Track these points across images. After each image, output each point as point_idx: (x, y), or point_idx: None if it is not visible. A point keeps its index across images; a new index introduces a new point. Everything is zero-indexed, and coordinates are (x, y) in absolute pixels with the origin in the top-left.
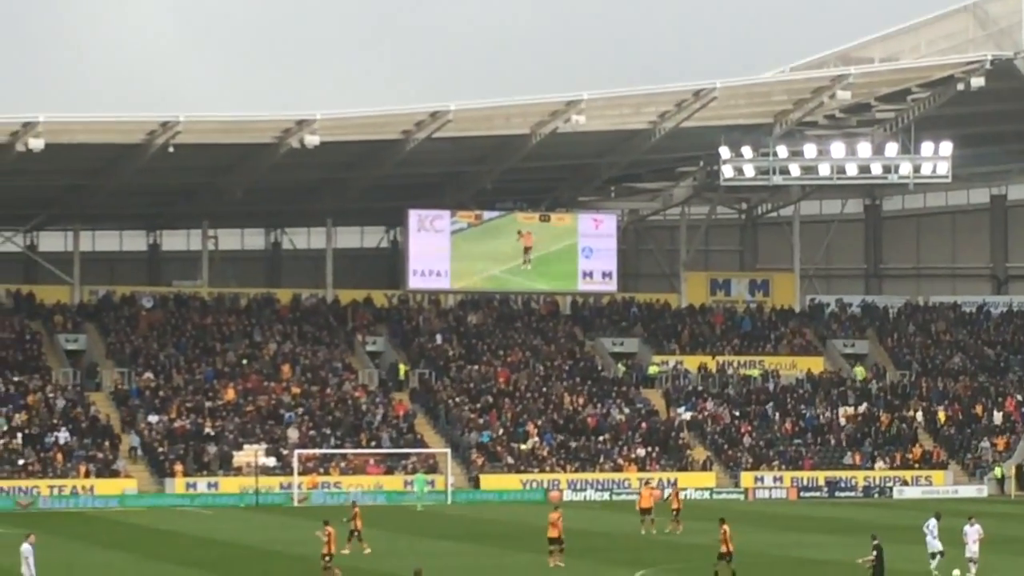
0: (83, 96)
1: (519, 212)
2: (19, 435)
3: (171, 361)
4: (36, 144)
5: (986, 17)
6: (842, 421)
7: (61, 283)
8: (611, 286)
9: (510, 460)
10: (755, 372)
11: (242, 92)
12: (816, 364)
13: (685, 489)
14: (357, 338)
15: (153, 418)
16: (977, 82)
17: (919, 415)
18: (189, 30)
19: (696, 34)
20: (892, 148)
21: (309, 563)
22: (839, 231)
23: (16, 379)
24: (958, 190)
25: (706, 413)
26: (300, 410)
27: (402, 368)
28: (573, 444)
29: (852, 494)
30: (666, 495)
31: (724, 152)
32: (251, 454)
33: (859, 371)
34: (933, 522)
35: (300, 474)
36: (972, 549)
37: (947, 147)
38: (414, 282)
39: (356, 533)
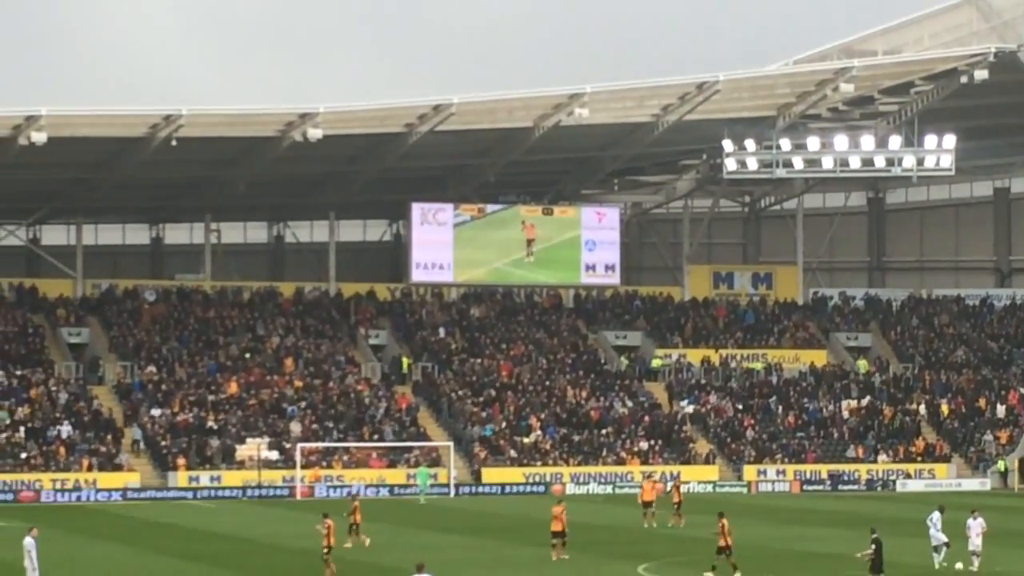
0: (86, 89)
1: (522, 205)
2: (22, 429)
3: (174, 355)
4: (39, 137)
5: (989, 10)
6: (845, 414)
7: (64, 277)
8: (614, 279)
9: (513, 453)
10: (758, 365)
11: (245, 85)
12: (819, 357)
13: (688, 483)
14: (360, 331)
15: (156, 412)
16: (981, 75)
17: (922, 408)
18: (192, 23)
19: (699, 27)
20: (895, 141)
21: (311, 556)
22: (842, 224)
23: (19, 373)
24: (961, 183)
25: (709, 406)
26: (303, 403)
27: (405, 361)
28: (576, 437)
29: (855, 487)
30: (668, 489)
31: (727, 145)
32: (254, 447)
33: (862, 364)
34: (937, 515)
35: (303, 467)
36: (975, 542)
37: (950, 140)
38: (417, 275)
39: (355, 527)
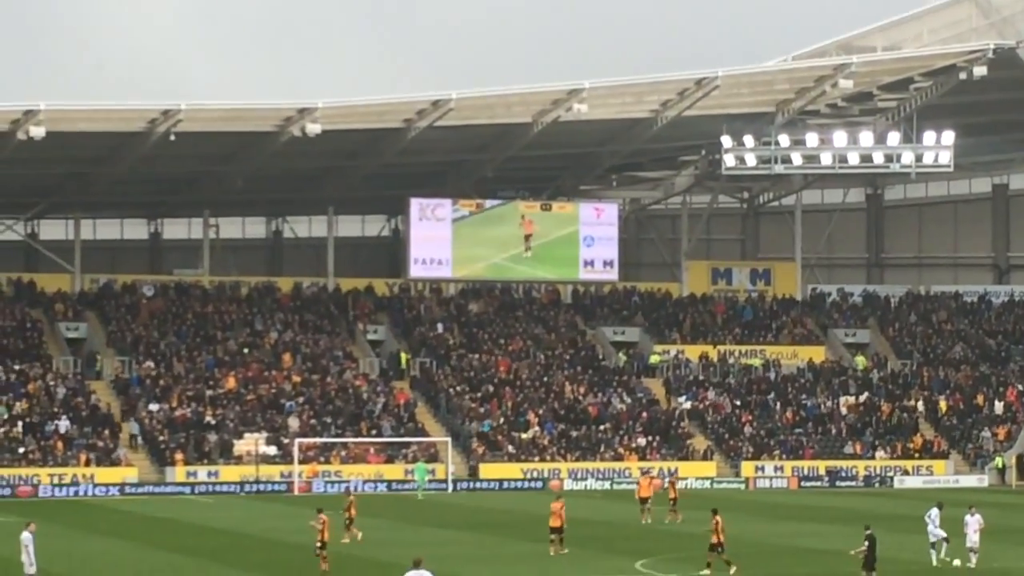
0: (84, 84)
1: (521, 201)
2: (20, 423)
3: (172, 350)
4: (37, 132)
5: (988, 6)
6: (843, 410)
7: (62, 271)
8: (612, 275)
9: (511, 449)
10: (756, 361)
11: (244, 80)
12: (817, 353)
13: (685, 479)
14: (358, 327)
15: (154, 406)
16: (979, 71)
17: (920, 404)
18: (191, 18)
19: (698, 22)
20: (894, 137)
21: (308, 552)
22: (841, 220)
23: (17, 367)
24: (960, 179)
25: (707, 402)
26: (301, 399)
27: (403, 357)
28: (574, 433)
29: (853, 484)
30: (664, 485)
31: (726, 141)
32: (252, 443)
33: (860, 360)
34: (935, 511)
35: (300, 463)
36: (973, 539)
37: (949, 136)
38: (415, 271)
39: (350, 521)
